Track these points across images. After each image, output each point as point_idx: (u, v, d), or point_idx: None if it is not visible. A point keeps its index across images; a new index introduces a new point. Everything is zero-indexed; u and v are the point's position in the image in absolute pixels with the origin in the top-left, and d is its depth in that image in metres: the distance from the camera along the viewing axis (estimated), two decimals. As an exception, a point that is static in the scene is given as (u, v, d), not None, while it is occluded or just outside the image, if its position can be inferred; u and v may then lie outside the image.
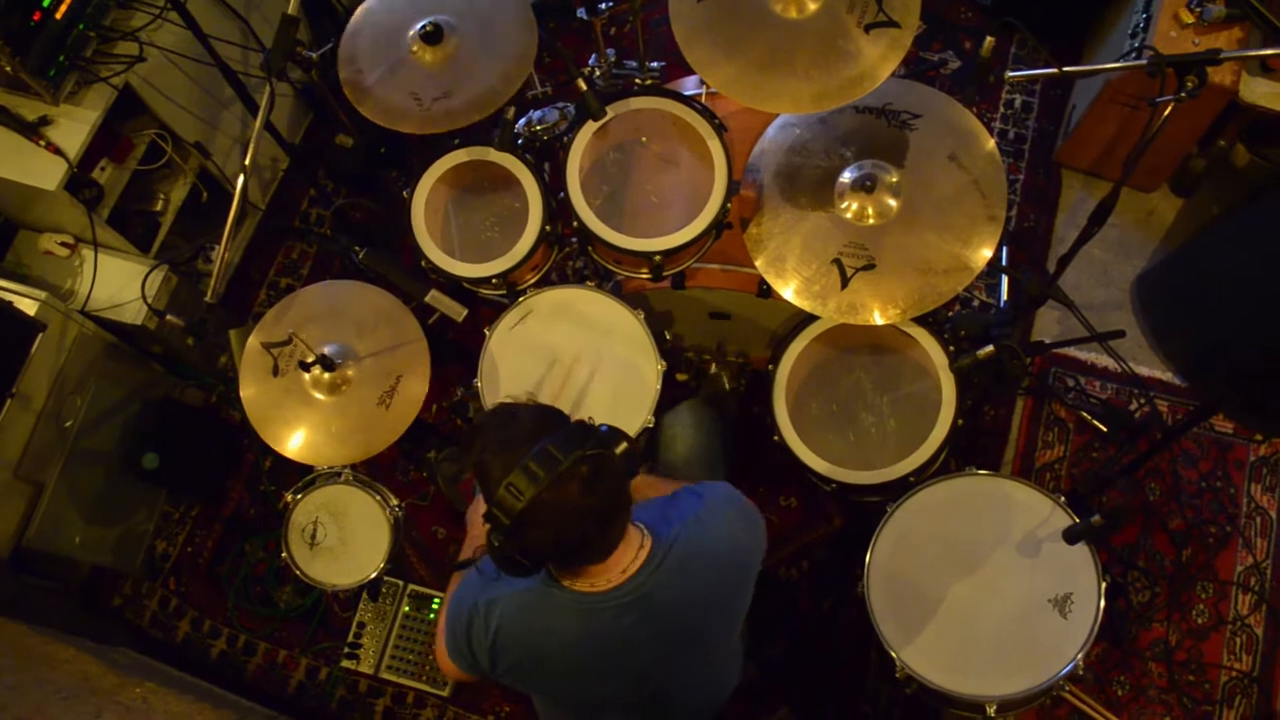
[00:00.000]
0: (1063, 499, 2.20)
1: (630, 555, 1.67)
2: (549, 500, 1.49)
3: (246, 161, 2.17)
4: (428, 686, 2.98)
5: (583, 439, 1.55)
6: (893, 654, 2.14)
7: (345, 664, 3.02)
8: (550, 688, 1.98)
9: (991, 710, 2.09)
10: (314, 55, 2.41)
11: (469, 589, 1.81)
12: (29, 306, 2.69)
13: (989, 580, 2.18)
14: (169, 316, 2.32)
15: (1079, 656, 2.06)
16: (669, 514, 1.77)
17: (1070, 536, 2.09)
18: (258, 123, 2.24)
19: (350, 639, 3.04)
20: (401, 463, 3.25)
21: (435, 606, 3.02)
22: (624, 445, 1.62)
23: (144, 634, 3.20)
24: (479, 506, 2.09)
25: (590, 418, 1.66)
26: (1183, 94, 1.96)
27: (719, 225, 2.34)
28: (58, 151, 2.69)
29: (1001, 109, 3.59)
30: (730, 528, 1.80)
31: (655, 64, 3.02)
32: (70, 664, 2.44)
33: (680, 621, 1.75)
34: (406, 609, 3.03)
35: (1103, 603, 2.10)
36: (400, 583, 3.06)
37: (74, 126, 2.73)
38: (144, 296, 2.80)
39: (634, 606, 1.68)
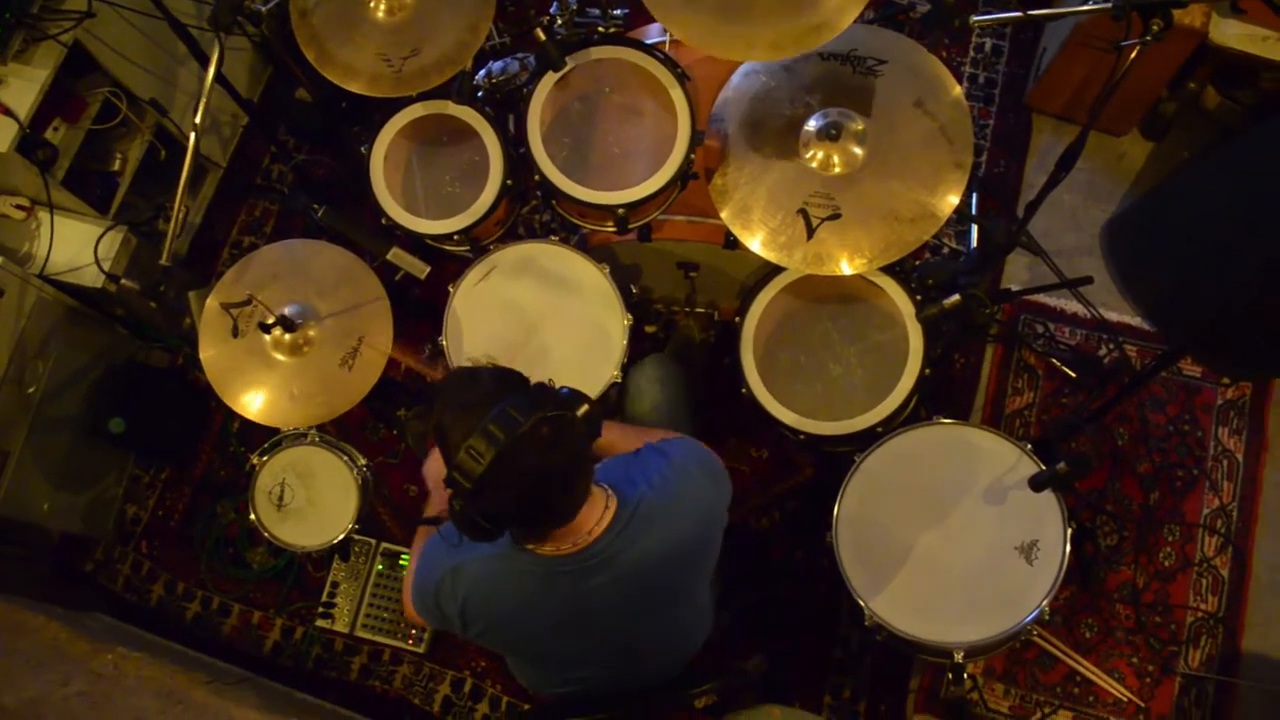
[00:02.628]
0: (1029, 446, 2.21)
1: (595, 517, 1.66)
2: (509, 462, 1.48)
3: (197, 119, 2.12)
4: (403, 644, 2.98)
5: (543, 401, 1.54)
6: (861, 602, 2.16)
7: (320, 623, 3.02)
8: (522, 648, 1.99)
9: (959, 656, 2.12)
10: (263, 9, 2.35)
11: (434, 555, 1.81)
12: (-16, 272, 2.64)
13: (956, 528, 2.20)
14: (124, 280, 2.28)
15: (1044, 603, 2.08)
16: (633, 473, 1.76)
17: (1036, 484, 2.09)
18: (208, 79, 2.18)
19: (324, 598, 3.03)
20: (371, 421, 3.23)
21: (405, 563, 3.01)
22: (585, 407, 1.61)
23: (118, 598, 3.19)
24: (434, 461, 2.08)
25: (551, 380, 1.65)
26: (1148, 37, 1.93)
27: (684, 176, 2.31)
28: (8, 112, 2.61)
29: (971, 53, 3.55)
30: (695, 484, 1.80)
31: (618, 11, 2.96)
32: (40, 632, 2.42)
33: (648, 581, 1.75)
34: (380, 567, 3.03)
35: (1068, 549, 2.12)
36: (373, 541, 3.05)
37: (23, 86, 2.65)
38: (96, 259, 2.75)
39: (600, 568, 1.68)
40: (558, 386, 1.63)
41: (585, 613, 1.75)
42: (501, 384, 1.59)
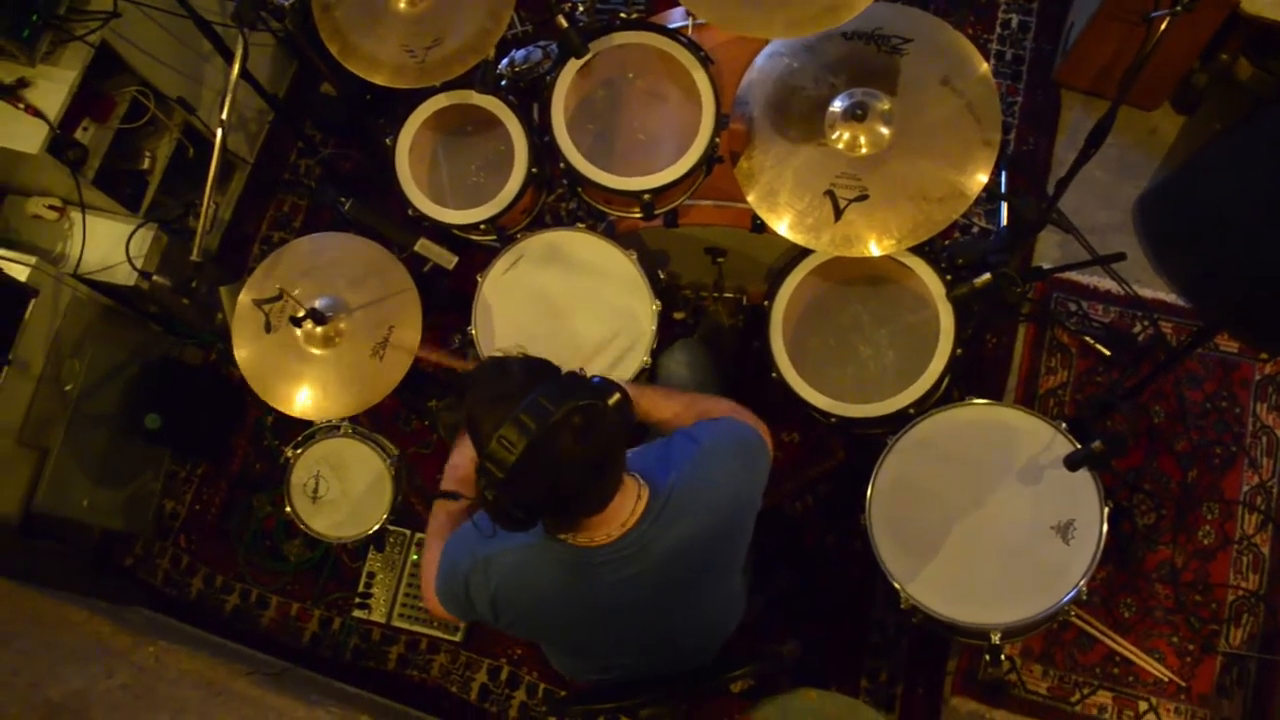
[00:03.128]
0: (1064, 425, 2.18)
1: (628, 507, 1.66)
2: (541, 451, 1.48)
3: (223, 116, 2.13)
4: (440, 633, 3.01)
5: (574, 390, 1.54)
6: (896, 585, 2.14)
7: (357, 614, 3.06)
8: (554, 638, 1.99)
9: (996, 637, 2.09)
10: (286, 3, 2.36)
11: (466, 542, 1.81)
12: (20, 272, 2.68)
13: (991, 509, 2.17)
14: (155, 277, 2.30)
15: (1081, 583, 2.06)
16: (665, 461, 1.75)
17: (1071, 463, 2.07)
18: (233, 75, 2.20)
19: (361, 589, 3.06)
20: (403, 412, 3.25)
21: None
22: (617, 396, 1.61)
23: (158, 592, 3.24)
24: (465, 442, 2.08)
25: (582, 369, 1.65)
26: (1178, 8, 1.90)
27: (709, 161, 2.30)
28: (37, 113, 2.65)
29: (998, 29, 3.50)
30: (726, 470, 1.79)
31: (640, -5, 2.96)
32: (83, 626, 2.46)
33: (681, 570, 1.74)
34: (414, 557, 3.05)
35: (1105, 528, 2.09)
36: (407, 532, 3.08)
37: (53, 87, 2.69)
38: (128, 257, 2.78)
39: (634, 559, 1.67)
40: (589, 375, 1.62)
41: (618, 602, 1.75)
42: (532, 374, 1.59)
